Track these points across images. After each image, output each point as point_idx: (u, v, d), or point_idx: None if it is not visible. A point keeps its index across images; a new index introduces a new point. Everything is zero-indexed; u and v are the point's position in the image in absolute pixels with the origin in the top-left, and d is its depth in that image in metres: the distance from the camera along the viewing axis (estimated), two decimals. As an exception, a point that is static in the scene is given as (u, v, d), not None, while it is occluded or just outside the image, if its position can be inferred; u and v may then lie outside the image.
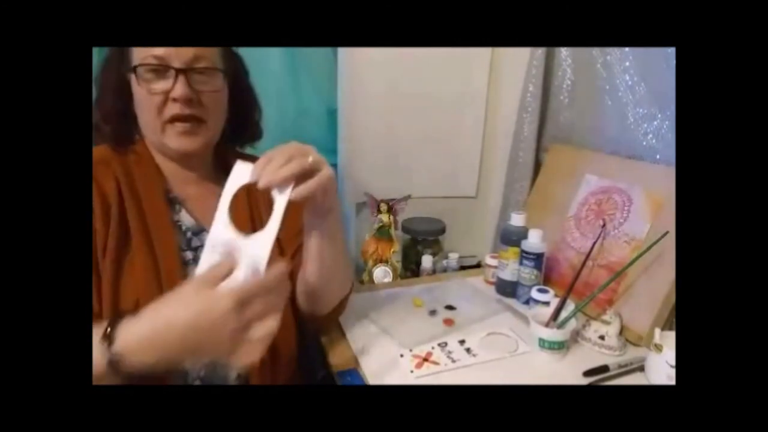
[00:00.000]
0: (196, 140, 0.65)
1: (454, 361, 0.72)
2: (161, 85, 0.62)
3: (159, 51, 0.60)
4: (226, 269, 0.48)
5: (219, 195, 0.64)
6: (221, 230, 0.52)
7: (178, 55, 0.61)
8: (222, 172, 0.71)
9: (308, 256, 0.67)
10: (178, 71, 0.61)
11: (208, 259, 0.51)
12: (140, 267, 0.60)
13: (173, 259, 0.63)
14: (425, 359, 0.72)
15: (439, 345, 0.76)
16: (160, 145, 0.66)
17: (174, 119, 0.63)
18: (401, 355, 0.73)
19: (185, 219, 0.68)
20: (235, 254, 0.50)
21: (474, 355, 0.74)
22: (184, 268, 0.64)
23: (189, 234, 0.68)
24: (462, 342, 0.77)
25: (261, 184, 0.52)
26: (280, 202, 0.53)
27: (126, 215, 0.62)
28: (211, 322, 0.45)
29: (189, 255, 0.67)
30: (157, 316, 0.46)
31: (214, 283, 0.47)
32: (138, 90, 0.63)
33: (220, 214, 0.52)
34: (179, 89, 0.61)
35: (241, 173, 0.54)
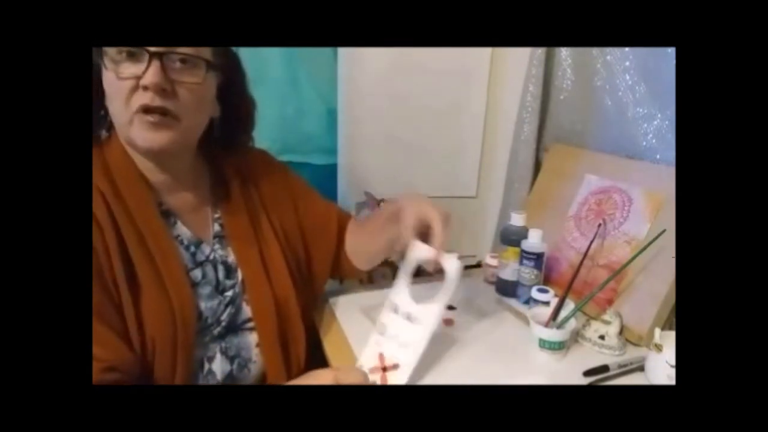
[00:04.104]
0: (165, 135, 0.56)
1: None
2: (131, 69, 0.53)
3: None
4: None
5: (211, 204, 0.68)
6: (404, 299, 0.66)
7: None
8: (213, 179, 0.69)
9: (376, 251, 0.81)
10: (153, 55, 0.52)
11: (390, 321, 0.66)
12: (152, 304, 0.56)
13: (184, 291, 0.59)
14: (425, 359, 0.72)
15: (439, 345, 0.76)
16: (130, 142, 0.59)
17: (143, 110, 0.55)
18: (401, 355, 0.73)
19: (183, 232, 0.64)
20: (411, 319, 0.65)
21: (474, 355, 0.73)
22: (193, 290, 0.61)
23: (192, 248, 0.64)
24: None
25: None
26: (452, 271, 0.64)
27: (124, 239, 0.57)
28: None
29: (198, 274, 0.63)
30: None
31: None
32: (106, 74, 0.55)
33: (402, 284, 0.66)
34: (150, 76, 0.53)
35: (419, 251, 0.66)
